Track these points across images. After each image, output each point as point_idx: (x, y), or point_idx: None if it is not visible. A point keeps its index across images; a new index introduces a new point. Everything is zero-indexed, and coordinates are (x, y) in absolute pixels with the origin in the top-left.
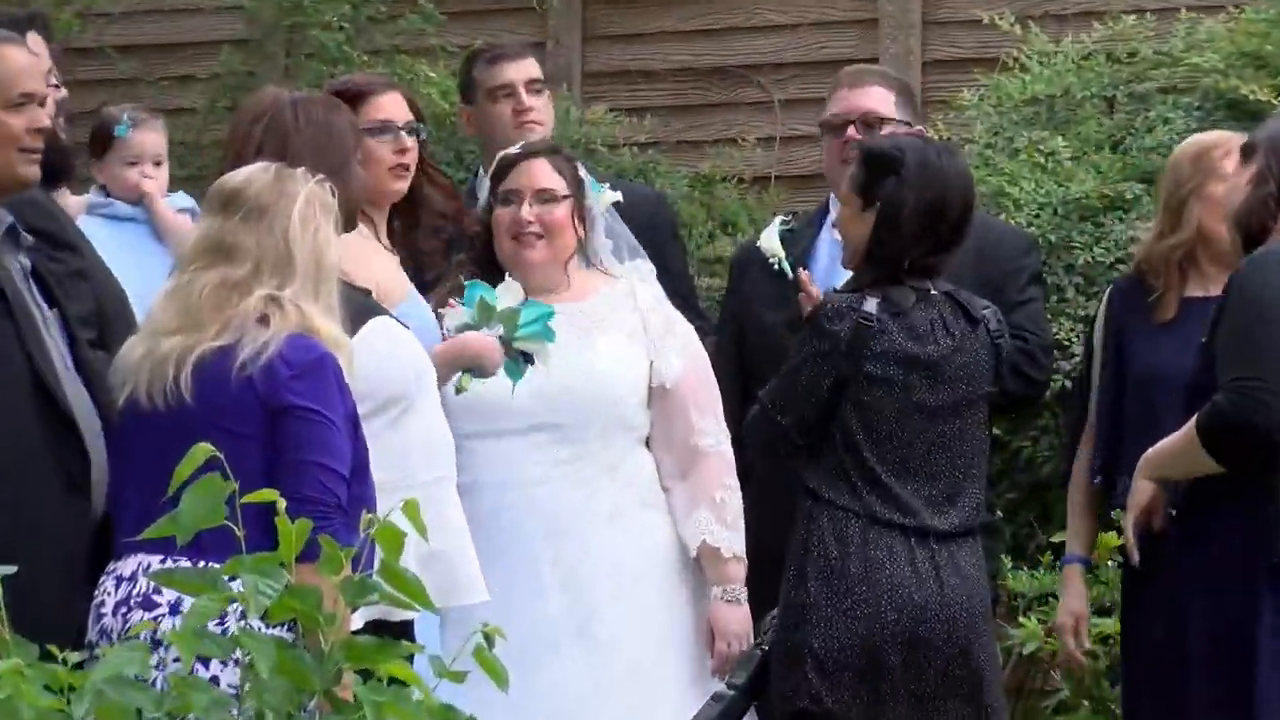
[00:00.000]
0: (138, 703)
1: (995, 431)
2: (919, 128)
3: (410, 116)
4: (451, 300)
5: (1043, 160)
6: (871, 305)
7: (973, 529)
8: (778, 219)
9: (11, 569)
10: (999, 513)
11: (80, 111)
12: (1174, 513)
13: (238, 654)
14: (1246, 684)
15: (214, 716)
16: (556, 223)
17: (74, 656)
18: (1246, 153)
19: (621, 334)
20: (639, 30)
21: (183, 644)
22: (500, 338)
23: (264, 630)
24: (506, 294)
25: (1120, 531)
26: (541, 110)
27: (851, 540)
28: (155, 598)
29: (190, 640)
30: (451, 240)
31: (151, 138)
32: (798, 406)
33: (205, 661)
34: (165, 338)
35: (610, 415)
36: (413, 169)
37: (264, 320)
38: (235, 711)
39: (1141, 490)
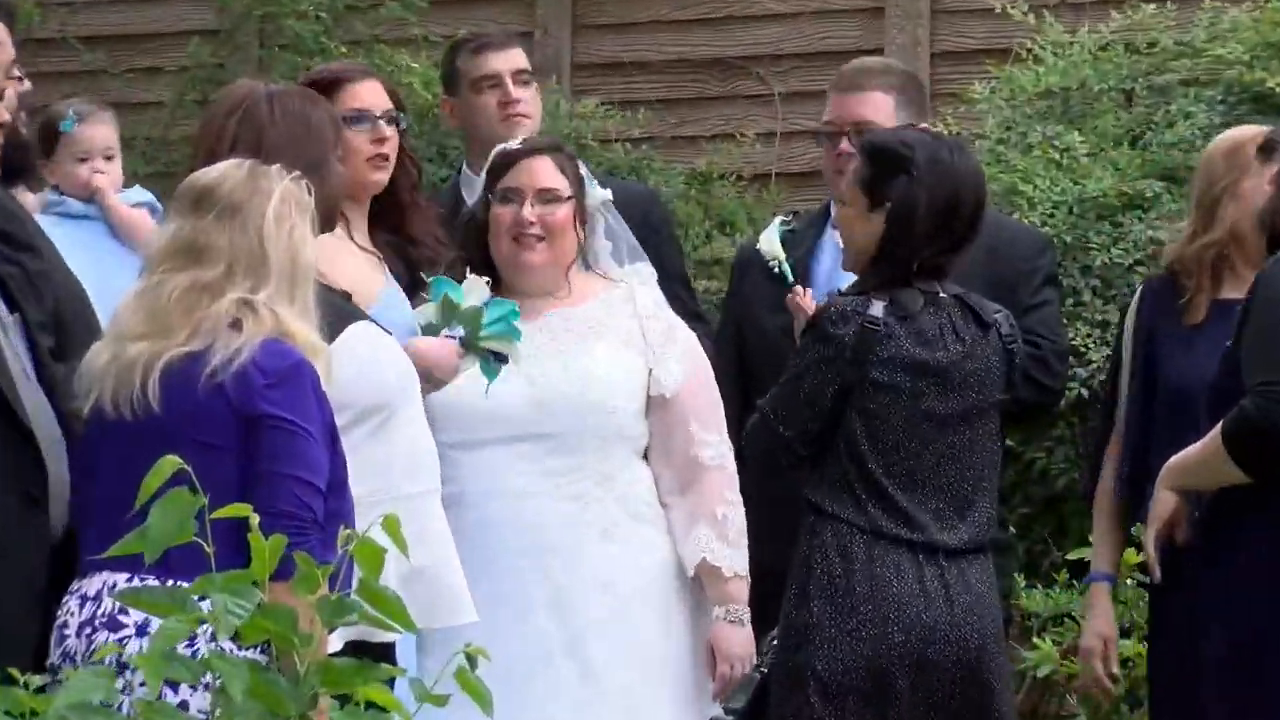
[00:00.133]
0: None
1: (1008, 442)
2: (924, 125)
3: (389, 105)
4: (424, 294)
5: (1057, 156)
6: (878, 308)
7: (983, 545)
8: (778, 219)
9: None
10: (1011, 528)
11: (43, 105)
12: (1198, 514)
13: (208, 678)
14: (1270, 698)
15: None
16: (558, 224)
17: (35, 680)
18: (1266, 151)
19: (619, 340)
20: (632, 19)
21: (149, 668)
22: (462, 339)
23: (236, 653)
24: (472, 291)
25: (1140, 547)
26: (529, 102)
27: (856, 557)
28: (121, 618)
29: (157, 664)
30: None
31: (101, 131)
32: (800, 415)
33: (174, 686)
34: (132, 343)
35: (606, 425)
36: (393, 160)
37: (236, 325)
38: None
39: (1163, 502)
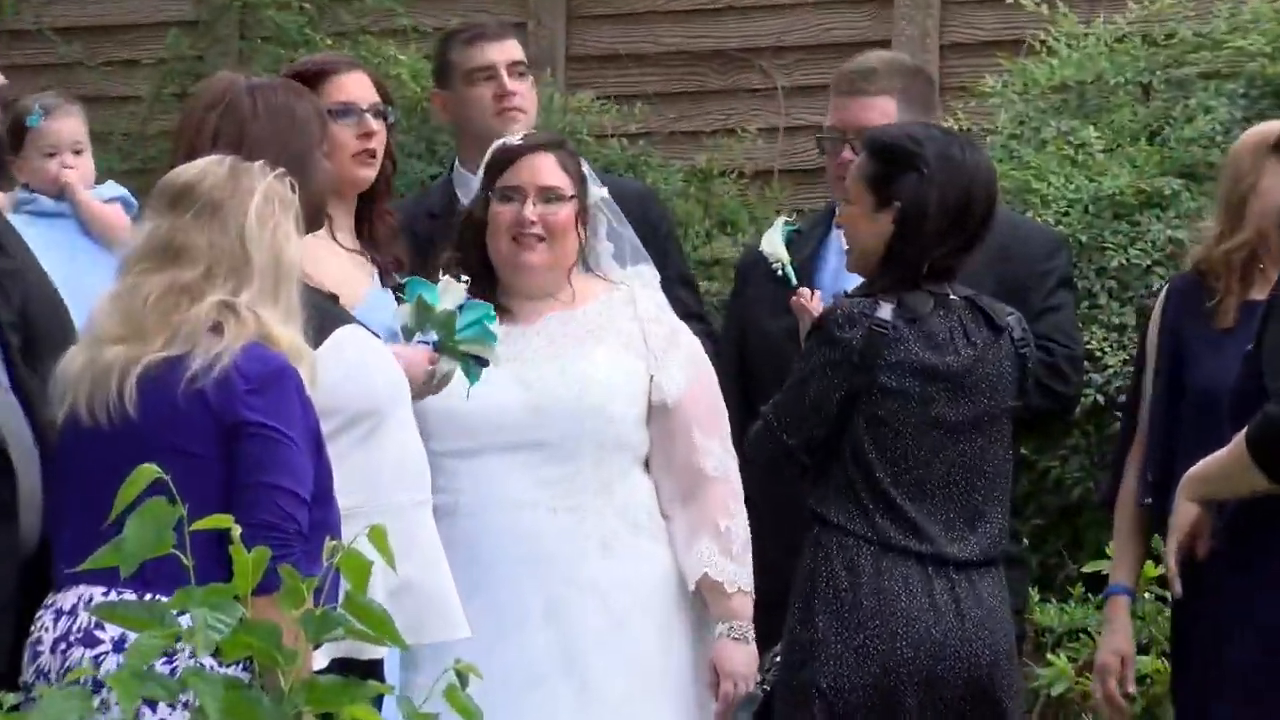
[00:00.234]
0: None
1: (1021, 450)
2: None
3: (376, 98)
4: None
5: (1072, 153)
6: (886, 311)
7: (995, 557)
8: (781, 219)
9: None
10: (1024, 540)
11: (13, 100)
12: (1220, 525)
13: (189, 695)
14: None
15: None
16: (560, 225)
17: (9, 698)
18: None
19: (619, 344)
20: (628, 9)
21: (122, 687)
22: (436, 343)
23: (217, 669)
24: (447, 294)
25: (1159, 560)
26: (525, 96)
27: (863, 569)
28: (97, 634)
29: (130, 683)
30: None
31: (69, 125)
32: (804, 422)
33: (152, 704)
34: (108, 347)
35: (605, 432)
36: (380, 155)
37: (217, 328)
38: None
39: (1184, 513)
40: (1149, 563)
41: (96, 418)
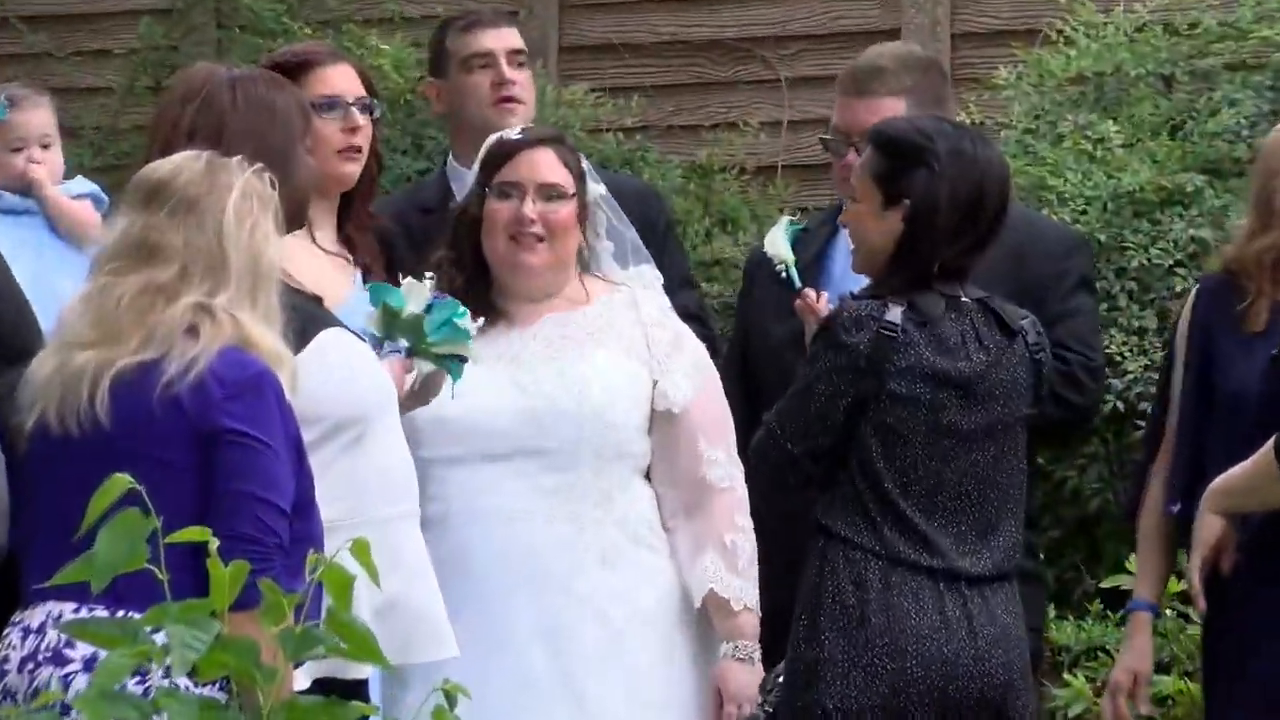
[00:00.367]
0: None
1: (1036, 460)
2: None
3: (361, 91)
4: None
5: (1090, 148)
6: (895, 314)
7: (1009, 572)
8: (785, 218)
9: None
10: (1040, 555)
11: None
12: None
13: (162, 717)
14: None
15: None
16: (561, 223)
17: None
18: None
19: (620, 348)
20: None
21: (89, 709)
22: (408, 350)
23: (193, 690)
24: (412, 295)
25: (1183, 575)
26: (524, 86)
27: (871, 585)
28: (67, 652)
29: (98, 704)
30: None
31: (36, 117)
32: (810, 430)
33: None
34: (78, 351)
35: (605, 440)
36: (365, 151)
37: (193, 331)
38: None
39: (1208, 526)
40: (1172, 578)
41: (67, 425)
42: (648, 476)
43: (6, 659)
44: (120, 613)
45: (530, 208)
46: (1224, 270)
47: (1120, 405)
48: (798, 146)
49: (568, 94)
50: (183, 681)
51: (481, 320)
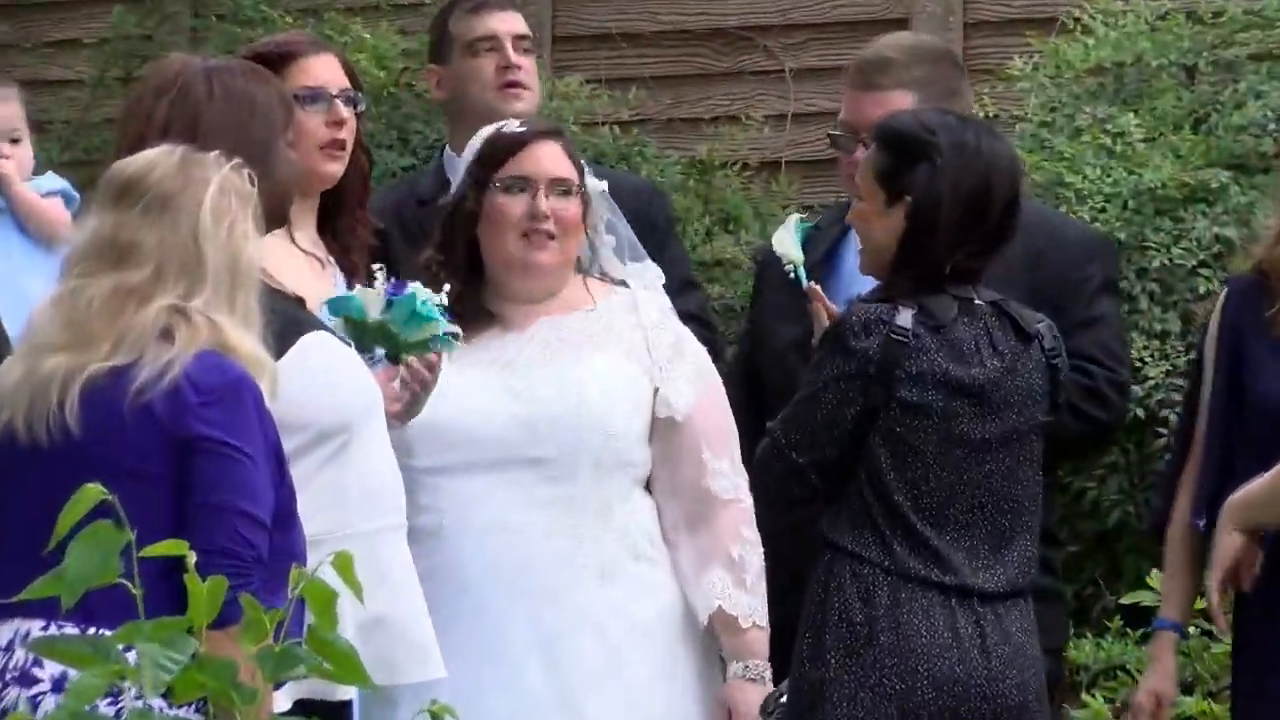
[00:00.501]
0: None
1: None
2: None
3: (346, 83)
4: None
5: (1109, 142)
6: (906, 318)
7: (1023, 588)
8: (795, 216)
9: None
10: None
11: None
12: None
13: None
14: None
15: None
16: (572, 219)
17: None
18: None
19: (619, 353)
20: None
21: None
22: (388, 356)
23: (167, 711)
24: (369, 301)
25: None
26: (529, 72)
27: (879, 601)
28: (35, 671)
29: None
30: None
31: (4, 110)
32: (816, 440)
33: None
34: (48, 356)
35: (604, 449)
36: (349, 147)
37: (167, 335)
38: None
39: (1227, 543)
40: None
41: (35, 434)
42: (647, 487)
43: None
44: (91, 630)
45: (544, 203)
46: (1254, 271)
47: (1141, 413)
48: (803, 141)
49: (562, 86)
50: (157, 703)
51: (446, 287)
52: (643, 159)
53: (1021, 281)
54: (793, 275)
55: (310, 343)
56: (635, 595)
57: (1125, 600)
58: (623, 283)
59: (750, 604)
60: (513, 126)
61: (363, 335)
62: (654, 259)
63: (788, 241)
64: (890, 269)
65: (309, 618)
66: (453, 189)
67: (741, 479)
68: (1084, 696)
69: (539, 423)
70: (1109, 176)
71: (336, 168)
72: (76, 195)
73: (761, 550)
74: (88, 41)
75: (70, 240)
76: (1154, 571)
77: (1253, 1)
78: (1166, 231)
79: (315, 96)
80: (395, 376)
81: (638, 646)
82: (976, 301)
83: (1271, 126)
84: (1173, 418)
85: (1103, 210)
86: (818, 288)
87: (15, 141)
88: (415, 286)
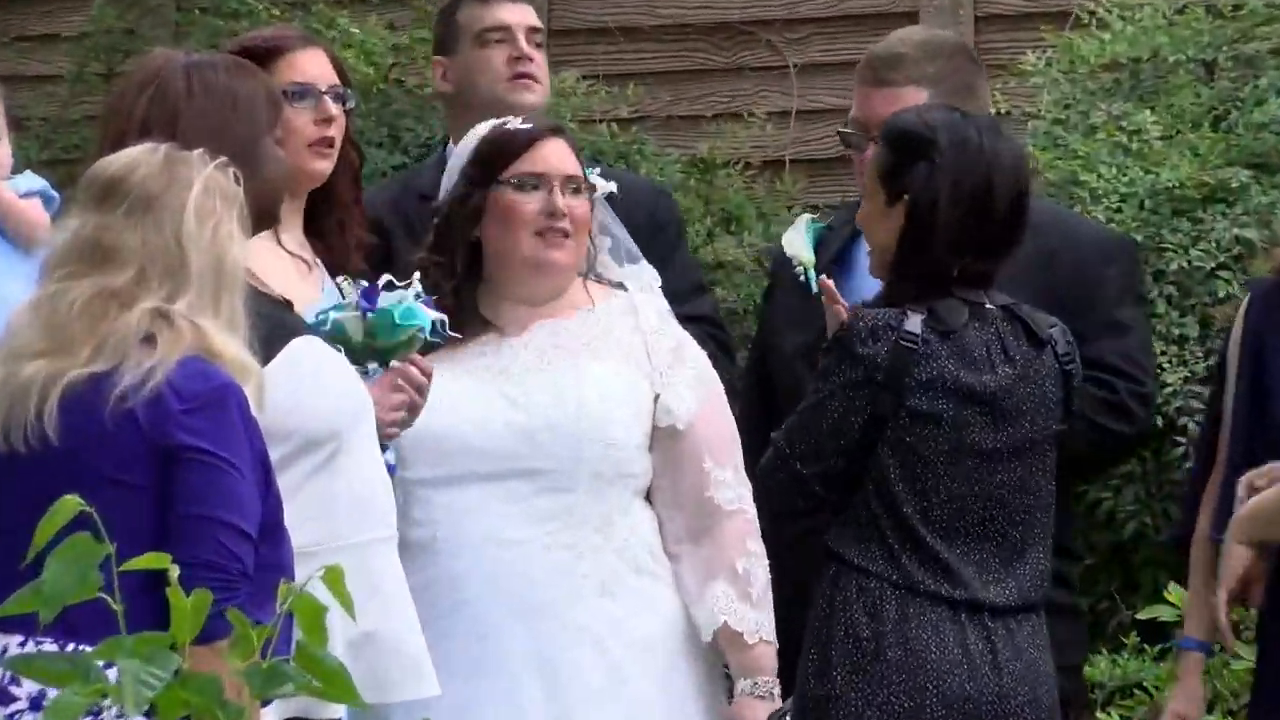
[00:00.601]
0: None
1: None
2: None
3: (335, 79)
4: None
5: (1125, 140)
6: (915, 323)
7: (1035, 602)
8: (805, 216)
9: None
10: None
11: None
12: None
13: None
14: None
15: None
16: (585, 218)
17: None
18: None
19: (619, 358)
20: None
21: None
22: (381, 366)
23: None
24: (350, 327)
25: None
26: (541, 66)
27: (887, 616)
28: (13, 689)
29: None
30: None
31: None
32: (822, 450)
33: None
34: (26, 362)
35: (604, 460)
36: (338, 146)
37: (150, 340)
38: None
39: (1235, 556)
40: None
41: (13, 442)
42: (647, 498)
43: None
44: (72, 646)
45: (560, 200)
46: (1275, 273)
47: (1159, 420)
48: (807, 139)
49: (558, 81)
50: None
51: (417, 275)
52: (641, 158)
53: (1034, 284)
54: (803, 278)
55: (299, 348)
56: (636, 610)
57: (1142, 615)
58: (620, 285)
59: (756, 619)
60: (516, 124)
61: (352, 355)
62: (665, 262)
63: (798, 243)
64: (891, 270)
65: (297, 633)
66: (444, 188)
67: (745, 489)
68: (1099, 715)
69: (537, 433)
70: (1125, 176)
71: (325, 166)
72: (56, 195)
73: (767, 563)
74: (67, 35)
75: (49, 242)
76: (1171, 585)
77: None
78: (1184, 233)
79: (303, 93)
80: (391, 386)
81: (639, 663)
82: (987, 306)
83: None
84: (1191, 425)
85: (1118, 211)
86: (831, 283)
87: None
88: (385, 296)
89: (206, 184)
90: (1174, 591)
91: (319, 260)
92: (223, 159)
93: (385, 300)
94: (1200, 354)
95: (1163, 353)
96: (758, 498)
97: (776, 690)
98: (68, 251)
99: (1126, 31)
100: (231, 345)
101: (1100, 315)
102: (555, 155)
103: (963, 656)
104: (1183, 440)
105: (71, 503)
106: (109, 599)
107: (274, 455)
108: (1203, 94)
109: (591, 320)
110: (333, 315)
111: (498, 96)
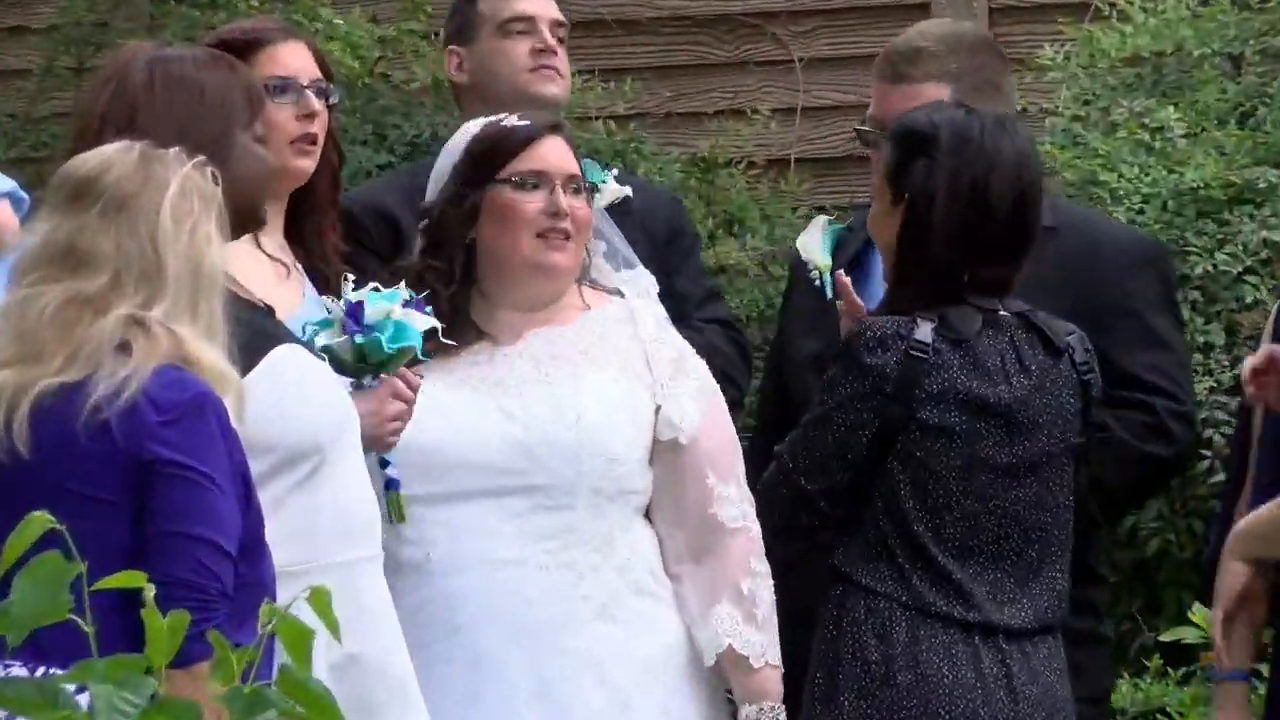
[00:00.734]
0: None
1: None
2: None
3: (318, 73)
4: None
5: (1148, 137)
6: (925, 331)
7: (1052, 624)
8: (822, 217)
9: None
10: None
11: None
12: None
13: None
14: None
15: None
16: (587, 219)
17: None
18: None
19: (617, 369)
20: None
21: None
22: (380, 376)
23: None
24: (340, 351)
25: None
26: (564, 61)
27: (896, 639)
28: None
29: None
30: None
31: None
32: (828, 465)
33: None
34: None
35: (605, 475)
36: (321, 142)
37: (125, 348)
38: None
39: (1233, 575)
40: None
41: None
42: (647, 515)
43: None
44: (42, 669)
45: (563, 200)
46: None
47: None
48: (813, 136)
49: None
50: None
51: (402, 284)
52: (640, 156)
53: (1059, 292)
54: (818, 282)
55: (281, 356)
56: (637, 632)
57: (1165, 637)
58: (617, 291)
59: (762, 641)
60: (513, 120)
61: (343, 371)
62: (682, 268)
63: (813, 246)
64: (892, 273)
65: (280, 656)
66: (431, 189)
67: (749, 505)
68: None
69: (534, 447)
70: (1147, 175)
71: (307, 164)
72: (26, 197)
73: (772, 583)
74: (36, 28)
75: (19, 246)
76: (1196, 605)
77: None
78: (1210, 235)
79: (285, 87)
80: (388, 397)
81: (640, 687)
82: (1001, 313)
83: None
84: (1216, 437)
85: (1140, 212)
86: (848, 280)
87: None
88: (371, 308)
89: (183, 184)
90: (1198, 612)
91: (299, 265)
92: (201, 158)
93: (372, 313)
94: (1226, 362)
95: None
96: (760, 514)
97: (782, 716)
98: (38, 255)
99: (1149, 24)
100: (210, 353)
101: (1133, 326)
102: (555, 153)
103: (976, 681)
104: (1208, 454)
105: (40, 519)
106: (80, 620)
107: (255, 469)
108: (1229, 89)
109: (587, 327)
110: (319, 340)
111: (519, 88)
